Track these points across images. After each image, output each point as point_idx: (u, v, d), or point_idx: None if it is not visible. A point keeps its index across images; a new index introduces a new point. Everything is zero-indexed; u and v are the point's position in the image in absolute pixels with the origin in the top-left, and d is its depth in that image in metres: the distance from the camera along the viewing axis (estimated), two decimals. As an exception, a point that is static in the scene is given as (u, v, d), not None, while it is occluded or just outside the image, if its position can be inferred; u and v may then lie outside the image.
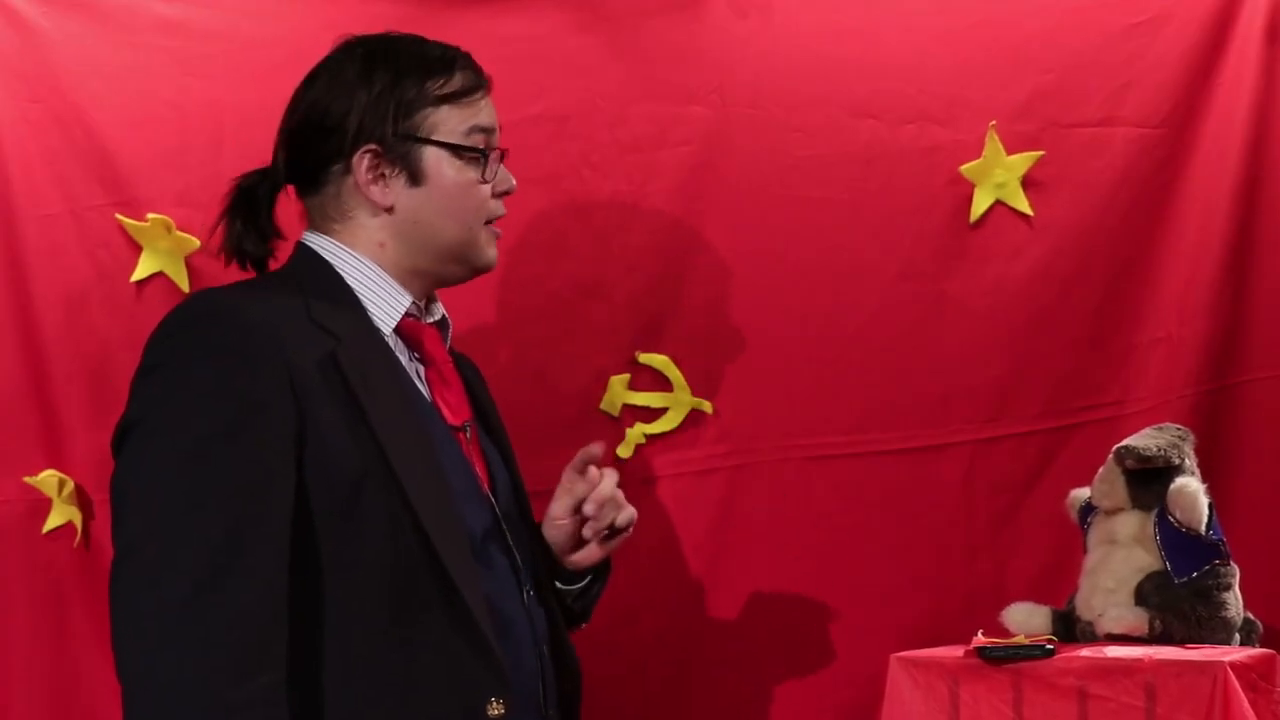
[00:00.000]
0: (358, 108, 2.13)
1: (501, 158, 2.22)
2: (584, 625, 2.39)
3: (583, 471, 2.26)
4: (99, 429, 2.88)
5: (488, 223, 2.20)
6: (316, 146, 2.16)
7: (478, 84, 2.20)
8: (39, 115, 2.95)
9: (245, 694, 1.87)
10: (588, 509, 2.25)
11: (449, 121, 2.16)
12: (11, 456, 2.96)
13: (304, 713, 1.96)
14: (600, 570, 2.35)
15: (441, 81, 2.16)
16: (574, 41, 3.07)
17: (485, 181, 2.18)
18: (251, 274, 2.22)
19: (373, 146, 2.13)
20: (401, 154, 2.14)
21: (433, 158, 2.15)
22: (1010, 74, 3.08)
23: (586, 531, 2.27)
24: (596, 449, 2.27)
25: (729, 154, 3.09)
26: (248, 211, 2.20)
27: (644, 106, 3.08)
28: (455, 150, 2.16)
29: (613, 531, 2.28)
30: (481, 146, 2.17)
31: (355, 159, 2.14)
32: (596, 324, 3.07)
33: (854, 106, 3.08)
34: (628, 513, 2.28)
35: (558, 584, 2.32)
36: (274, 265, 2.23)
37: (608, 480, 2.26)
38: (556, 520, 2.28)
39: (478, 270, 2.23)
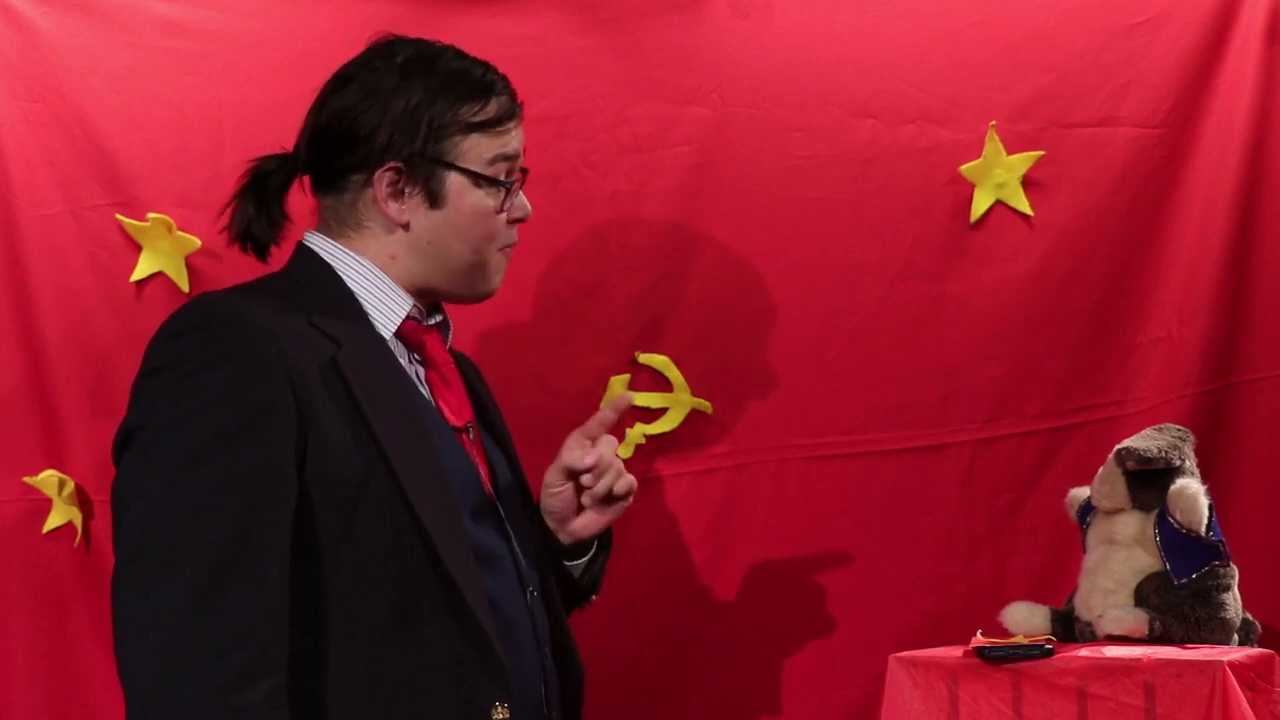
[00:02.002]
0: (388, 122, 2.12)
1: (523, 182, 2.21)
2: (594, 598, 2.39)
3: (595, 435, 2.25)
4: (99, 429, 2.89)
5: (500, 249, 2.20)
6: (342, 153, 2.15)
7: (512, 112, 2.19)
8: (39, 115, 2.95)
9: (247, 699, 1.87)
10: (586, 479, 2.24)
11: (476, 149, 2.15)
12: (11, 456, 2.96)
13: (307, 718, 1.96)
14: (604, 542, 2.35)
15: (477, 107, 2.15)
16: (574, 41, 3.07)
17: (503, 212, 2.18)
18: (253, 258, 2.21)
19: (396, 164, 2.12)
20: (424, 175, 2.13)
21: (455, 183, 2.15)
22: (1010, 74, 3.08)
23: (585, 499, 2.26)
24: (625, 401, 2.27)
25: (729, 154, 3.08)
26: (261, 196, 2.19)
27: (644, 106, 3.08)
28: (477, 179, 2.15)
29: (611, 498, 2.27)
30: (503, 178, 2.17)
31: (378, 175, 2.13)
32: (596, 324, 3.07)
33: (854, 106, 3.08)
34: (627, 480, 2.27)
35: (564, 561, 2.32)
36: (276, 253, 2.23)
37: (606, 445, 2.25)
38: (552, 488, 2.27)
39: (480, 296, 2.23)
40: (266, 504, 1.95)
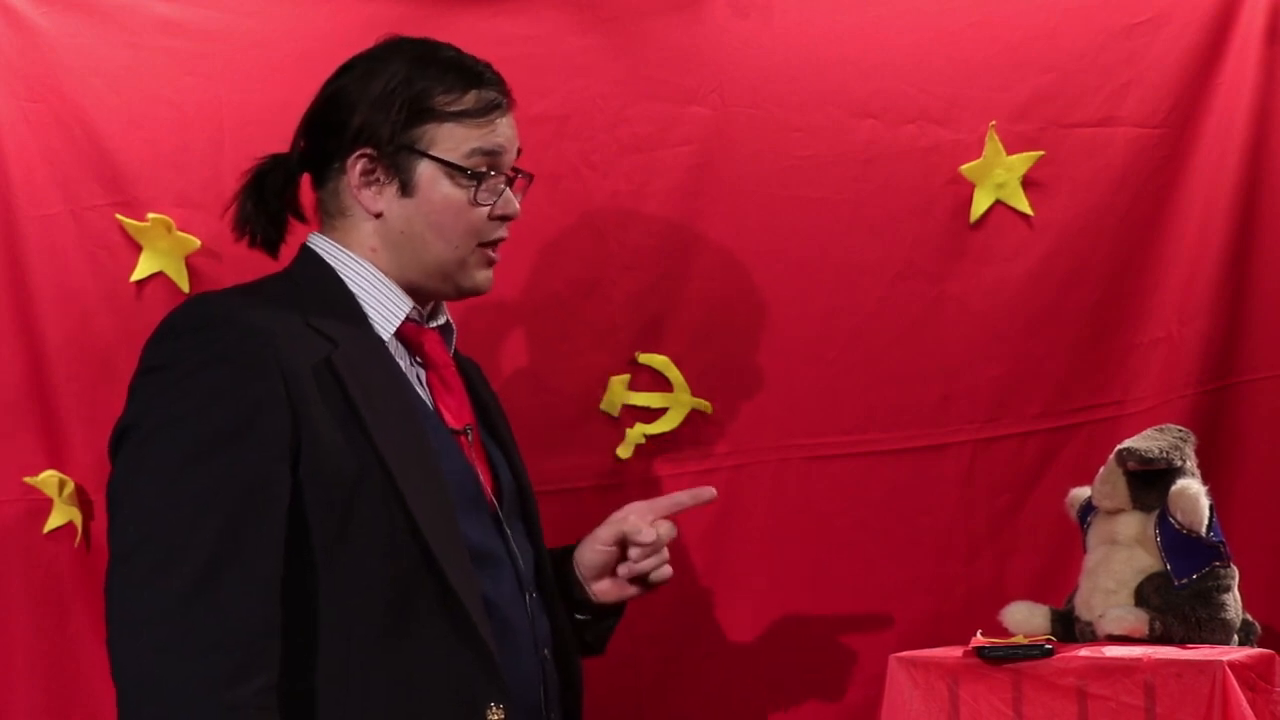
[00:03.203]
0: (365, 105, 2.12)
1: (512, 181, 2.19)
2: (596, 656, 2.40)
3: (662, 514, 2.27)
4: (99, 429, 2.85)
5: (482, 245, 2.18)
6: (322, 141, 2.16)
7: (495, 104, 2.17)
8: (39, 115, 2.94)
9: (237, 698, 1.87)
10: (633, 553, 2.26)
11: (451, 139, 2.14)
12: (11, 456, 2.95)
13: (300, 717, 1.96)
14: (614, 608, 2.36)
15: (455, 96, 2.14)
16: (574, 41, 3.07)
17: (478, 205, 2.16)
18: (253, 258, 2.22)
19: (368, 150, 2.12)
20: (396, 162, 2.13)
21: (427, 172, 2.14)
22: (1010, 74, 3.08)
23: (622, 569, 2.28)
24: (709, 495, 2.31)
25: (729, 154, 3.09)
26: (259, 195, 2.20)
27: (644, 106, 3.08)
28: (450, 169, 2.14)
29: (645, 581, 2.29)
30: (482, 169, 2.15)
31: (350, 160, 2.13)
32: (596, 324, 3.07)
33: (854, 106, 3.08)
34: (666, 570, 2.29)
35: (576, 615, 2.33)
36: (286, 250, 2.23)
37: (666, 529, 2.27)
38: (597, 544, 2.29)
39: (465, 293, 2.20)
40: (263, 504, 1.95)
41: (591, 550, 2.29)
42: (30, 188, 2.94)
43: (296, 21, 2.99)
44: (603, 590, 2.30)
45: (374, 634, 2.00)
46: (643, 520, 2.26)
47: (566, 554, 2.32)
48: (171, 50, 2.98)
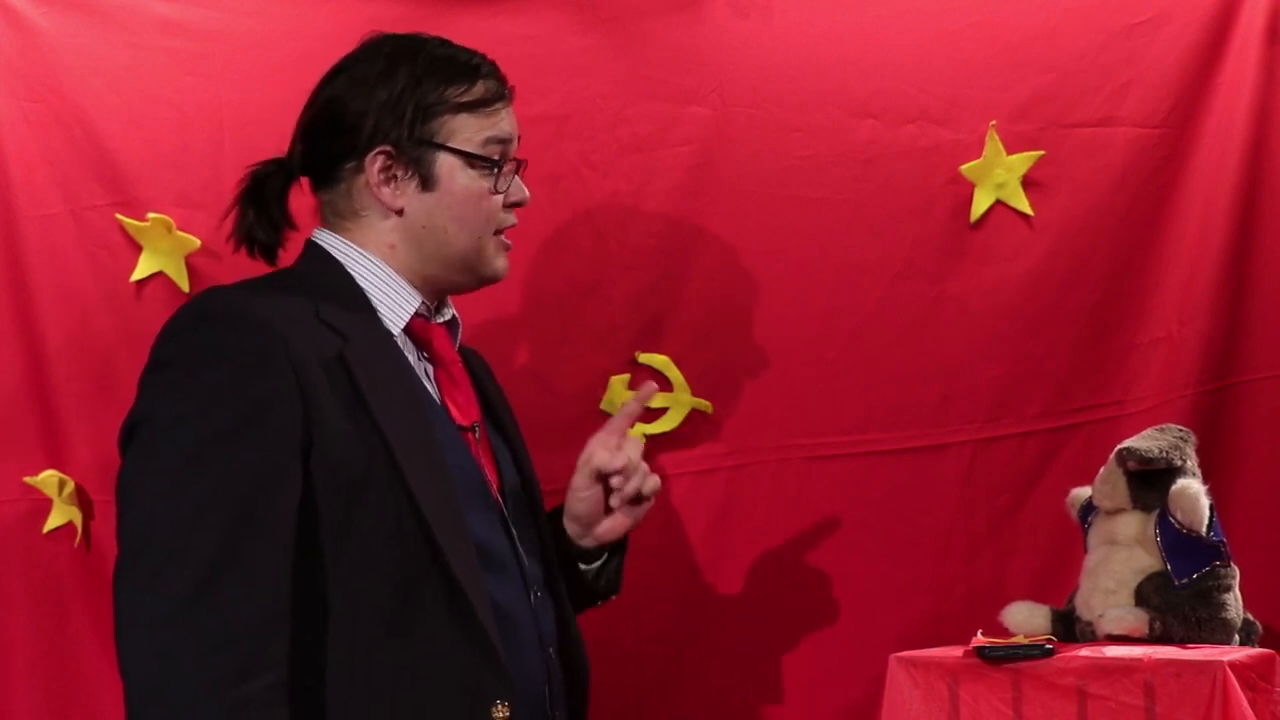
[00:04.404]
0: (375, 107, 2.13)
1: (518, 169, 2.22)
2: (614, 598, 2.40)
3: (620, 432, 2.27)
4: (99, 429, 2.89)
5: (497, 233, 2.20)
6: (332, 142, 2.16)
7: (500, 94, 2.19)
8: (39, 115, 2.95)
9: (245, 694, 1.88)
10: (615, 481, 2.25)
11: (466, 130, 2.16)
12: (11, 456, 2.96)
13: (306, 714, 1.96)
14: (617, 544, 2.35)
15: (463, 88, 2.16)
16: (574, 41, 3.07)
17: (497, 192, 2.18)
18: (260, 261, 2.22)
19: (386, 148, 2.13)
20: (415, 157, 2.14)
21: (446, 164, 2.15)
22: (1010, 74, 3.08)
23: (613, 500, 2.27)
24: (650, 390, 2.31)
25: (729, 154, 3.09)
26: (260, 200, 2.20)
27: (644, 106, 3.08)
28: (469, 159, 2.16)
29: (637, 498, 2.28)
30: (496, 157, 2.17)
31: (368, 159, 2.14)
32: (596, 324, 3.07)
33: (854, 106, 3.08)
34: (653, 480, 2.28)
35: (580, 565, 2.32)
36: (284, 256, 2.23)
37: (633, 447, 2.26)
38: (579, 493, 2.28)
39: (485, 280, 2.23)
40: (266, 501, 1.95)
41: (575, 501, 2.29)
42: (30, 188, 2.95)
43: (296, 21, 2.99)
44: (607, 530, 2.29)
45: (379, 618, 2.00)
46: (607, 450, 2.26)
47: (556, 516, 2.33)
48: (171, 50, 2.99)
